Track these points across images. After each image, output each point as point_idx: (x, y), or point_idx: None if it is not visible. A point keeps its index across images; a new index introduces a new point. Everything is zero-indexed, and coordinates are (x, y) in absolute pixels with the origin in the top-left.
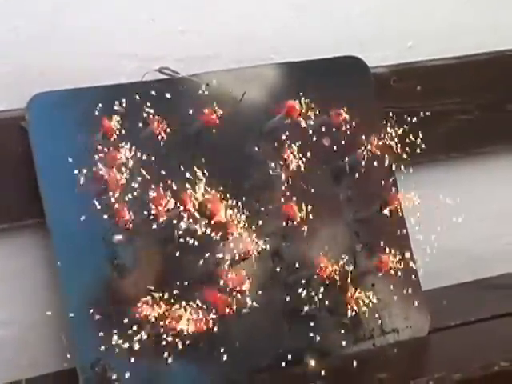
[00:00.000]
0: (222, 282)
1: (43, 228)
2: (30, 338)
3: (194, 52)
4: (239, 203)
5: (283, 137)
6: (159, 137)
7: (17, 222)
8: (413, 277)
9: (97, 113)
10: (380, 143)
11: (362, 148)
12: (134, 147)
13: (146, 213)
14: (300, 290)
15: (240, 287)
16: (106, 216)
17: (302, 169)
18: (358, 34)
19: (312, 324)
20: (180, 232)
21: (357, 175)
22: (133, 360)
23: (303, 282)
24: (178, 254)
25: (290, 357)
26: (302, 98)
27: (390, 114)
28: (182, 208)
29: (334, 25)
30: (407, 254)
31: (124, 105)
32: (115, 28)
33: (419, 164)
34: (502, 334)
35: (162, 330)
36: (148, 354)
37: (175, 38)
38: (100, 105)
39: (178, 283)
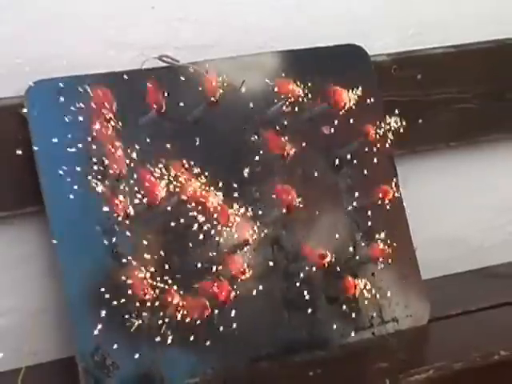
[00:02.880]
0: (221, 270)
1: (42, 216)
2: (30, 326)
3: (194, 40)
4: (238, 191)
5: (283, 125)
6: (158, 124)
7: (16, 210)
8: (413, 266)
9: (96, 100)
10: (380, 132)
11: (362, 136)
12: (133, 135)
13: (144, 201)
14: (299, 279)
15: (239, 275)
16: (105, 203)
17: (302, 157)
18: (358, 22)
19: (312, 313)
20: (179, 220)
21: (357, 164)
22: (132, 348)
23: (303, 270)
24: (177, 241)
25: (289, 346)
26: (302, 86)
27: (391, 103)
28: (180, 196)
29: (334, 13)
30: (407, 243)
31: (123, 92)
32: (115, 16)
33: (419, 153)
34: (502, 323)
35: (161, 317)
36: (147, 342)
37: (175, 25)
38: (99, 92)
39: (177, 271)
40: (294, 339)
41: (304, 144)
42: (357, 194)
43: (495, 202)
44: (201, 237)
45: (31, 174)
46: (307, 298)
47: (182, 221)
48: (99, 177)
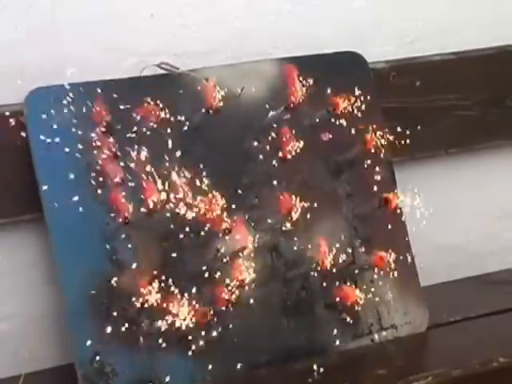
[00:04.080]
0: (220, 277)
1: (42, 222)
2: (30, 332)
3: (193, 47)
4: (238, 198)
5: (282, 131)
6: (158, 131)
7: (15, 217)
8: (412, 272)
9: (95, 107)
10: (379, 138)
11: (361, 143)
12: (132, 141)
13: (144, 207)
14: (298, 286)
15: (238, 282)
16: (104, 210)
17: (301, 164)
18: (357, 29)
19: (310, 319)
20: (178, 226)
21: (356, 170)
22: (131, 355)
23: (302, 277)
24: (176, 247)
25: (288, 352)
26: (301, 93)
27: (389, 109)
28: (180, 202)
29: (333, 20)
30: (406, 250)
31: (122, 99)
32: (114, 23)
33: (418, 159)
34: (501, 330)
35: (160, 324)
36: (147, 349)
37: (174, 33)
38: (98, 99)
39: (176, 277)
40: (292, 346)
41: (303, 150)
42: (356, 201)
43: (494, 209)
44: (200, 243)
45: (30, 180)
46: (306, 304)
47: (181, 227)
48: (98, 183)
